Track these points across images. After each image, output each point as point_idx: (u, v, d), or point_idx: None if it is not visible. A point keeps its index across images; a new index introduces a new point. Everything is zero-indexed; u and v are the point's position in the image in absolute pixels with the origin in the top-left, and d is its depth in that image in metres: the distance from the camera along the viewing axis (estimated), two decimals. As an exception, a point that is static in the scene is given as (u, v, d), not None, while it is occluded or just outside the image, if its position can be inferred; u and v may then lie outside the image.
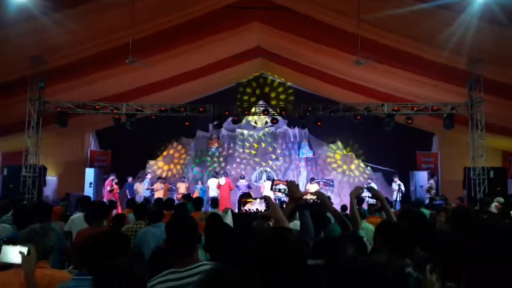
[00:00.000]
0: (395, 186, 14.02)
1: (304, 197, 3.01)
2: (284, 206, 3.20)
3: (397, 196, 13.60)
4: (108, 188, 13.61)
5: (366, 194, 3.40)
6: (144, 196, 13.03)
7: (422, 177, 14.35)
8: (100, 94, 12.42)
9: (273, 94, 17.27)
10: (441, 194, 12.58)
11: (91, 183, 13.79)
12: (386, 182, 15.68)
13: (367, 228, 4.04)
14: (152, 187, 14.16)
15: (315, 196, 3.10)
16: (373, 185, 13.89)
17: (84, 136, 15.91)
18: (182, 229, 2.17)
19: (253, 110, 13.99)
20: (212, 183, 14.33)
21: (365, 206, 7.90)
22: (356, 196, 3.29)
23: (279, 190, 2.87)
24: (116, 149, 15.78)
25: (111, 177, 13.87)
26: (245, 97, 17.10)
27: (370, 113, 12.53)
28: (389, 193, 13.82)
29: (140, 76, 11.89)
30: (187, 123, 12.61)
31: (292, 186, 2.80)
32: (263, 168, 16.91)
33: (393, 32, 9.31)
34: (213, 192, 13.61)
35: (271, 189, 2.90)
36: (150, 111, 12.43)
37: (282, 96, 17.18)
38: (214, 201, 7.74)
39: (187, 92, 14.76)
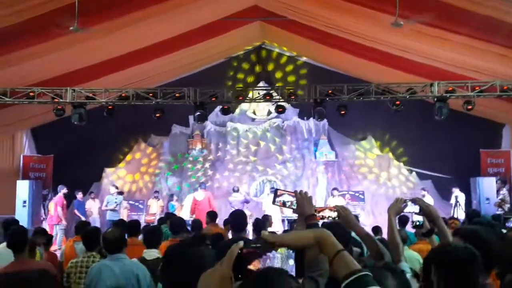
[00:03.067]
0: (453, 199, 14.00)
1: (321, 213, 2.95)
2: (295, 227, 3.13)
3: (453, 213, 13.53)
4: (59, 208, 13.60)
5: (410, 209, 3.31)
6: (111, 221, 12.82)
7: (488, 186, 14.29)
8: (35, 77, 12.37)
9: (278, 73, 17.22)
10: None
11: (24, 202, 13.74)
12: (438, 193, 15.64)
13: (410, 257, 3.97)
14: (112, 207, 14.05)
15: (335, 213, 3.04)
16: (429, 198, 13.82)
17: (14, 136, 15.87)
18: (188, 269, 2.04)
19: (250, 95, 13.92)
20: (190, 201, 14.29)
21: (409, 228, 7.88)
22: (397, 213, 3.22)
23: (284, 204, 2.80)
24: (60, 154, 15.80)
25: (62, 191, 13.86)
26: (240, 76, 17.05)
27: (414, 97, 12.46)
28: (444, 209, 13.76)
29: (91, 50, 11.82)
30: (158, 115, 12.56)
31: (301, 199, 2.74)
32: (266, 177, 16.89)
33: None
34: (187, 213, 13.49)
35: (273, 202, 2.85)
36: (106, 99, 12.40)
37: (291, 75, 17.12)
38: (196, 224, 7.70)
39: (158, 72, 14.76)
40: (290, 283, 1.38)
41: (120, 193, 14.88)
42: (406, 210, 3.27)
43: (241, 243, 1.54)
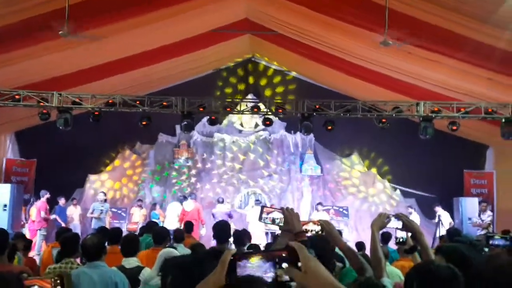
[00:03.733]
0: (437, 218, 14.06)
1: (304, 227, 2.93)
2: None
3: (436, 233, 13.58)
4: (42, 213, 13.42)
5: (393, 224, 3.31)
6: (95, 229, 12.55)
7: (471, 206, 14.38)
8: (21, 79, 12.28)
9: (266, 87, 17.27)
10: (496, 229, 12.57)
11: (5, 205, 13.56)
12: (422, 212, 15.70)
13: (392, 273, 3.97)
14: (97, 214, 13.83)
15: (319, 227, 3.03)
16: (415, 216, 13.86)
17: (-3, 138, 15.67)
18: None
19: (238, 107, 13.92)
20: (172, 209, 14.17)
21: (392, 245, 7.88)
22: (381, 228, 3.22)
23: (273, 221, 2.79)
24: (43, 158, 15.66)
25: (45, 196, 13.68)
26: (228, 90, 17.07)
27: (400, 115, 12.56)
28: (427, 228, 13.80)
29: (79, 55, 11.77)
30: (144, 123, 12.49)
31: (289, 215, 2.73)
32: (251, 189, 16.86)
33: (434, 4, 9.38)
34: (172, 223, 13.37)
35: (260, 219, 2.84)
36: (93, 105, 12.31)
37: (279, 89, 17.19)
38: (178, 234, 7.62)
39: (146, 80, 14.74)
40: None
41: (104, 200, 14.70)
42: (389, 225, 3.27)
43: (233, 250, 1.51)
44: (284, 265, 1.45)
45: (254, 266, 1.46)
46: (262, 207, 2.90)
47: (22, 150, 16.27)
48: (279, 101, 13.96)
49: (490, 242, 5.44)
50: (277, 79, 17.41)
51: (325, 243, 3.08)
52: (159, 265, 4.36)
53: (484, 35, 9.59)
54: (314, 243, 2.92)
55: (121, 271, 4.71)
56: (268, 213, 2.82)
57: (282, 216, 2.77)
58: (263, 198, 16.49)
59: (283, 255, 1.48)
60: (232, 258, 1.47)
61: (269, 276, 1.45)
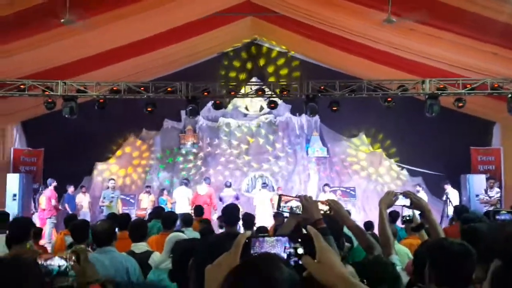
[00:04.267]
0: (445, 196, 14.05)
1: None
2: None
3: (444, 210, 13.57)
4: (53, 202, 13.52)
5: (401, 202, 3.29)
6: (105, 215, 12.61)
7: (478, 183, 14.35)
8: (26, 69, 12.26)
9: (270, 68, 17.20)
10: (505, 205, 12.56)
11: (15, 195, 13.68)
12: (429, 190, 15.69)
13: (400, 252, 3.98)
14: (108, 202, 13.88)
15: (326, 207, 3.03)
16: (423, 194, 13.84)
17: (5, 129, 15.73)
18: None
19: (243, 90, 13.89)
20: (180, 194, 14.20)
21: (399, 224, 7.89)
22: (388, 205, 3.21)
23: (291, 210, 2.80)
24: (51, 147, 15.68)
25: (53, 184, 13.76)
26: (232, 73, 17.00)
27: (406, 94, 12.50)
28: (435, 206, 13.78)
29: (82, 43, 11.74)
30: (149, 109, 12.51)
31: (308, 204, 2.75)
32: (258, 173, 16.88)
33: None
34: (182, 208, 13.43)
35: (278, 208, 2.85)
36: (98, 93, 12.32)
37: (283, 71, 17.11)
38: (186, 218, 7.65)
39: (150, 66, 14.70)
40: (284, 269, 1.34)
41: (114, 188, 14.77)
42: (397, 203, 3.25)
43: (248, 232, 1.50)
44: (300, 250, 1.44)
45: (270, 243, 1.45)
46: (280, 195, 2.91)
47: (29, 140, 16.32)
48: (283, 83, 13.88)
49: (497, 217, 5.43)
50: (281, 61, 17.31)
51: (334, 222, 3.07)
52: (168, 249, 4.38)
53: (487, 9, 9.48)
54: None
55: (131, 256, 4.74)
56: (286, 202, 2.83)
57: (299, 204, 2.78)
58: (270, 181, 16.53)
59: (299, 240, 1.46)
60: (246, 241, 1.47)
61: (287, 251, 1.44)
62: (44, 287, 2.34)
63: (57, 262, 2.32)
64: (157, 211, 8.98)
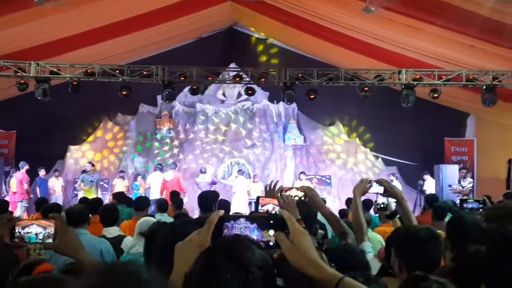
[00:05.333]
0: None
1: (287, 193, 2.93)
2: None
3: (417, 200, 13.77)
4: (25, 185, 13.31)
5: (375, 189, 3.32)
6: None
7: (451, 173, 14.56)
8: (-4, 49, 11.97)
9: (248, 56, 17.12)
10: (476, 195, 12.78)
11: (-15, 178, 13.44)
12: (404, 180, 15.90)
13: (373, 239, 4.02)
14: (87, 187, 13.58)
15: (301, 193, 3.03)
16: (397, 184, 14.01)
17: (-25, 110, 15.40)
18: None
19: (220, 76, 13.80)
20: (154, 179, 14.12)
21: (372, 213, 7.96)
22: (362, 193, 3.23)
23: (267, 213, 2.81)
24: (23, 130, 15.46)
25: (25, 167, 13.57)
26: (210, 57, 16.86)
27: (382, 84, 12.59)
28: (409, 196, 13.96)
29: (56, 24, 11.60)
30: (124, 93, 12.37)
31: (285, 205, 2.77)
32: (234, 160, 16.87)
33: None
34: (156, 193, 13.34)
35: (256, 210, 2.88)
36: (71, 75, 12.13)
37: (262, 58, 17.06)
38: (162, 203, 7.61)
39: (126, 49, 14.52)
40: (255, 250, 1.34)
41: (84, 171, 14.51)
42: (371, 190, 3.28)
43: (222, 211, 1.49)
44: (271, 232, 1.44)
45: (242, 227, 1.45)
46: (258, 198, 2.95)
47: (1, 122, 16.01)
48: (261, 70, 13.85)
49: (464, 205, 5.54)
50: (259, 47, 17.27)
51: (308, 208, 3.08)
52: (138, 233, 4.37)
53: (466, 2, 9.56)
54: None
55: (104, 239, 4.71)
56: (263, 205, 2.85)
57: (277, 207, 2.79)
58: (246, 168, 16.54)
59: (271, 222, 1.46)
60: (219, 220, 1.45)
61: (255, 236, 1.43)
62: (17, 260, 2.31)
63: (34, 230, 2.31)
64: (120, 196, 8.95)
